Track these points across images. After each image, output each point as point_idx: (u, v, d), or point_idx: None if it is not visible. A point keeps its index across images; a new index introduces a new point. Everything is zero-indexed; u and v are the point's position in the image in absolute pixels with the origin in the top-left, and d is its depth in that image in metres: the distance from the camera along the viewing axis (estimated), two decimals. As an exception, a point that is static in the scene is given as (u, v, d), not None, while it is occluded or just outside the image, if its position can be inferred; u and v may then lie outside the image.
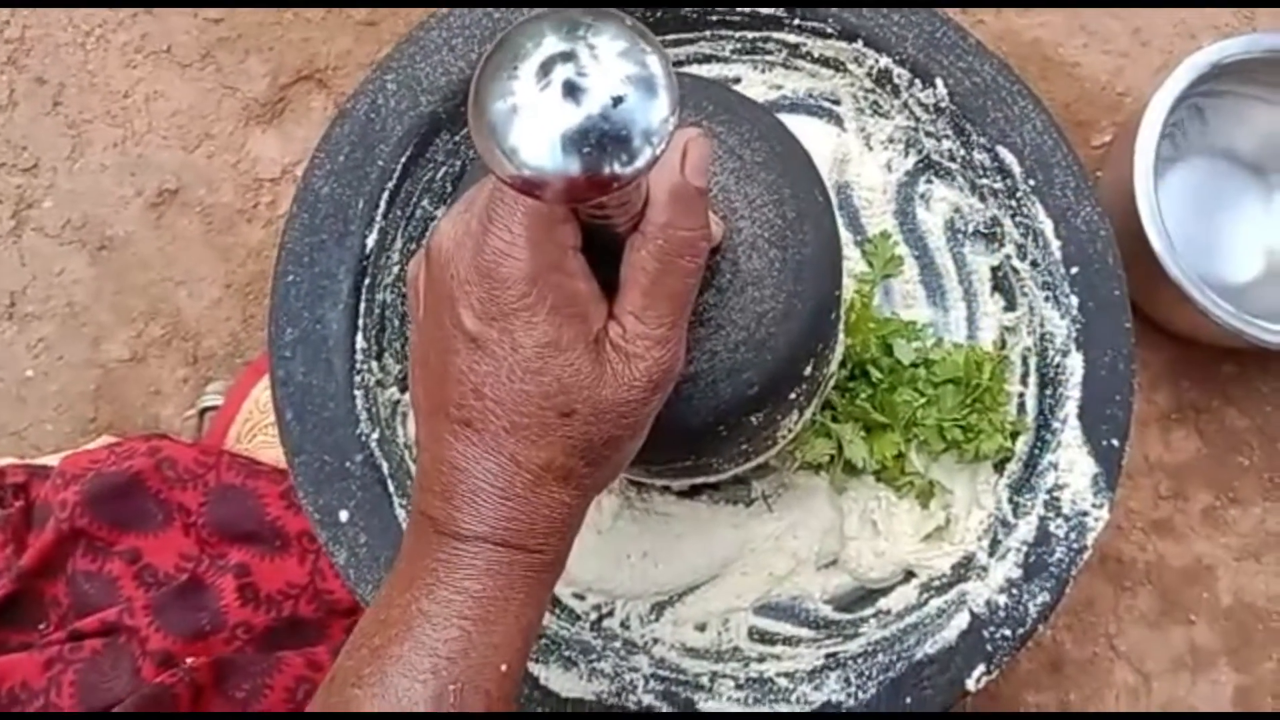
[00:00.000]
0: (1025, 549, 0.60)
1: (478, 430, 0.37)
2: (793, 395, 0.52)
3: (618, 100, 0.30)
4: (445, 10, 0.61)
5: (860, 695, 0.58)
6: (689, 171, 0.36)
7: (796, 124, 0.67)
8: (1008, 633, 0.60)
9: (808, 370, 0.51)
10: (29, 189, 0.89)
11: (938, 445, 0.63)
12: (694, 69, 0.67)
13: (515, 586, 0.38)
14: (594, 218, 0.36)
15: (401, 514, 0.58)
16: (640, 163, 0.31)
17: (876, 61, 0.64)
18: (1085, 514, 0.60)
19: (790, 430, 0.57)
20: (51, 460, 0.78)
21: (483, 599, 0.37)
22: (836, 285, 0.52)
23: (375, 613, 0.39)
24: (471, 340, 0.36)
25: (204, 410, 0.88)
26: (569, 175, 0.30)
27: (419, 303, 0.39)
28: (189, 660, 0.65)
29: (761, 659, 0.61)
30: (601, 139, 0.30)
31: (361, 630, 0.39)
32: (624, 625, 0.62)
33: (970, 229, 0.67)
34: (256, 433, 0.80)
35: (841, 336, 0.59)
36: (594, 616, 0.62)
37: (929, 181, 0.67)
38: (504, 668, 0.37)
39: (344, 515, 0.57)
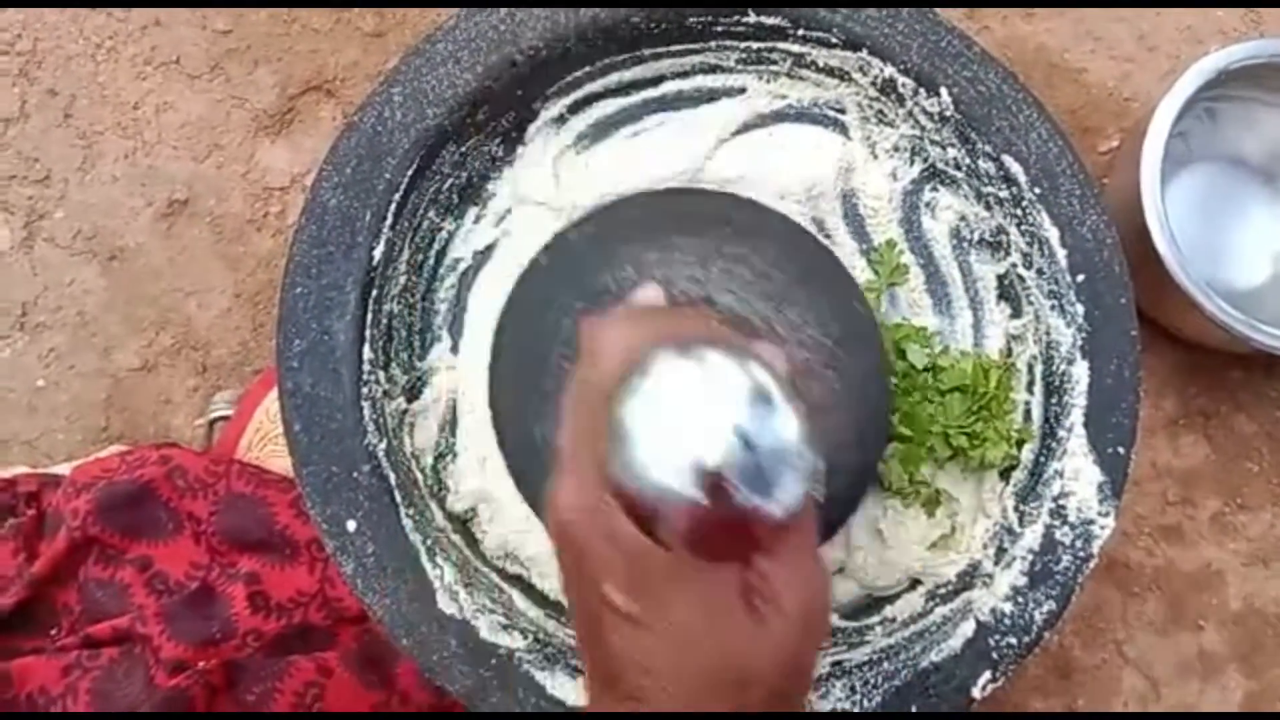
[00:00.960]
0: (1031, 557, 0.60)
1: (646, 698, 0.35)
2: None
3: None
4: (451, 23, 0.62)
5: (865, 703, 0.58)
6: None
7: (802, 133, 0.68)
8: (1013, 641, 0.60)
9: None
10: (40, 200, 0.90)
11: (944, 452, 0.63)
12: (699, 79, 0.67)
13: None
14: None
15: (409, 524, 0.58)
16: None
17: (881, 71, 0.64)
18: (1091, 522, 0.60)
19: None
20: (63, 469, 0.79)
21: None
22: (889, 386, 0.51)
23: None
24: (625, 617, 0.35)
25: (214, 420, 0.88)
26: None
27: (565, 571, 0.38)
28: (201, 664, 0.65)
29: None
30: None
31: None
32: (630, 634, 0.63)
33: (976, 237, 0.67)
34: (267, 442, 0.80)
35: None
36: (600, 625, 0.63)
37: (934, 190, 0.67)
38: None
39: (351, 525, 0.57)
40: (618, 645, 0.35)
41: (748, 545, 0.33)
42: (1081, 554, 0.60)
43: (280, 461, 0.76)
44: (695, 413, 0.29)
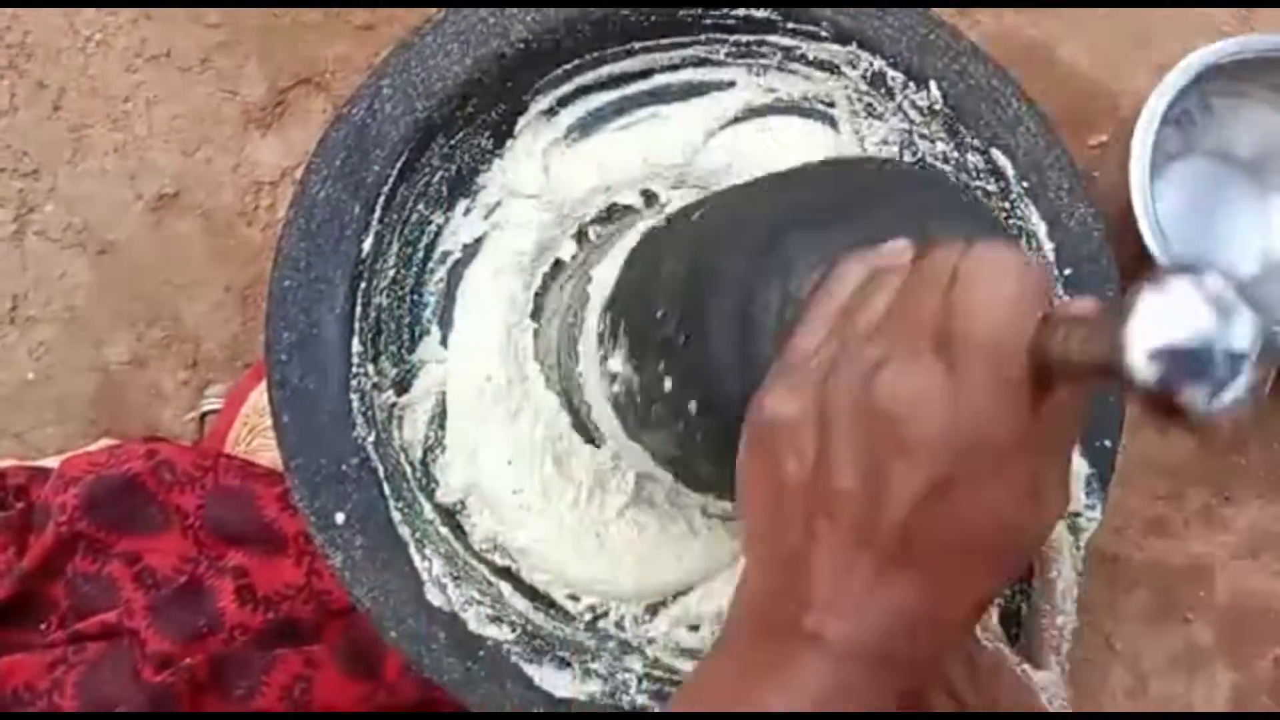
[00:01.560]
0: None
1: (904, 561, 0.35)
2: None
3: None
4: (441, 16, 0.61)
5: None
6: None
7: (792, 125, 0.68)
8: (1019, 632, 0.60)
9: None
10: (30, 193, 0.90)
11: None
12: (689, 72, 0.67)
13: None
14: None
15: (397, 516, 0.58)
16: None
17: (870, 64, 0.65)
18: (1078, 515, 0.61)
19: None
20: (52, 462, 0.79)
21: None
22: None
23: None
24: (937, 491, 0.34)
25: (205, 414, 0.88)
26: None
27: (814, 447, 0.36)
28: (187, 660, 0.65)
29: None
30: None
31: None
32: (618, 626, 0.63)
33: (964, 231, 0.67)
34: (255, 435, 0.80)
35: None
36: (588, 617, 0.63)
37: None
38: None
39: (340, 518, 0.57)
40: (907, 506, 0.34)
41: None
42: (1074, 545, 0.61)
43: (269, 454, 0.77)
44: (1172, 325, 0.29)
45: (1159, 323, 0.29)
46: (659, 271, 0.52)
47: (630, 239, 0.59)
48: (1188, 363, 0.29)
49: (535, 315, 0.66)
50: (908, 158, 0.67)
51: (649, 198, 0.68)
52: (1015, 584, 0.60)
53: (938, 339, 0.33)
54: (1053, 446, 0.35)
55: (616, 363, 0.53)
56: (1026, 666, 0.53)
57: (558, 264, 0.66)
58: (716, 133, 0.67)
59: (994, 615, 0.56)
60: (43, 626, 0.73)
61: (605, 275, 0.58)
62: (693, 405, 0.47)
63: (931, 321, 0.34)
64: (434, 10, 0.61)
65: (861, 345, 0.36)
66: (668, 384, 0.48)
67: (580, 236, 0.66)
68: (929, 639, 0.36)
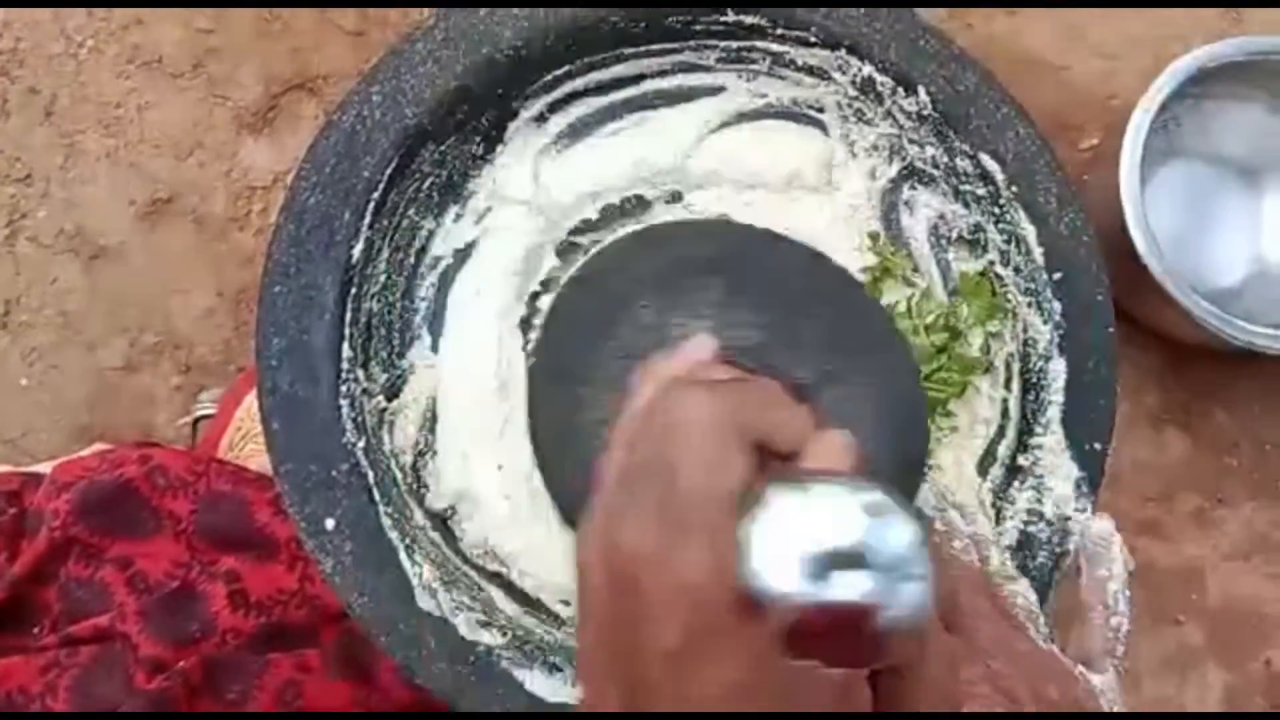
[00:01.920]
0: (1007, 553, 0.60)
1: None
2: None
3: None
4: (431, 22, 0.62)
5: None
6: None
7: (781, 130, 0.68)
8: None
9: None
10: (23, 199, 0.90)
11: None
12: (679, 78, 0.68)
13: None
14: None
15: (387, 522, 0.59)
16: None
17: (860, 70, 0.65)
18: (1068, 518, 0.61)
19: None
20: (45, 468, 0.79)
21: None
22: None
23: None
24: (670, 662, 0.33)
25: (199, 418, 0.88)
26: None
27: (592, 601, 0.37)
28: (180, 664, 0.65)
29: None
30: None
31: None
32: (610, 631, 0.63)
33: (954, 235, 0.67)
34: (248, 440, 0.81)
35: None
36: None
37: (913, 188, 0.68)
38: None
39: (330, 523, 0.57)
40: (652, 678, 0.33)
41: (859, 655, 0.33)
42: (1058, 550, 0.61)
43: (261, 459, 0.77)
44: (815, 532, 0.30)
45: (803, 527, 0.30)
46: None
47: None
48: (844, 567, 0.30)
49: (528, 321, 0.66)
50: (896, 163, 0.67)
51: (640, 203, 0.68)
52: (1059, 580, 0.60)
53: (659, 493, 0.33)
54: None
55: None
56: (1082, 669, 0.52)
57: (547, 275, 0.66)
58: (707, 137, 0.67)
59: (1043, 621, 0.55)
60: (36, 631, 0.73)
61: None
62: None
63: (654, 473, 0.34)
64: (424, 14, 0.61)
65: (615, 494, 0.36)
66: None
67: (563, 250, 0.66)
68: None
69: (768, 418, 0.35)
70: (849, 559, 0.30)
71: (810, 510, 0.30)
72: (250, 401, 0.81)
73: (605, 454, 0.39)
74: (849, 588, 0.30)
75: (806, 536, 0.30)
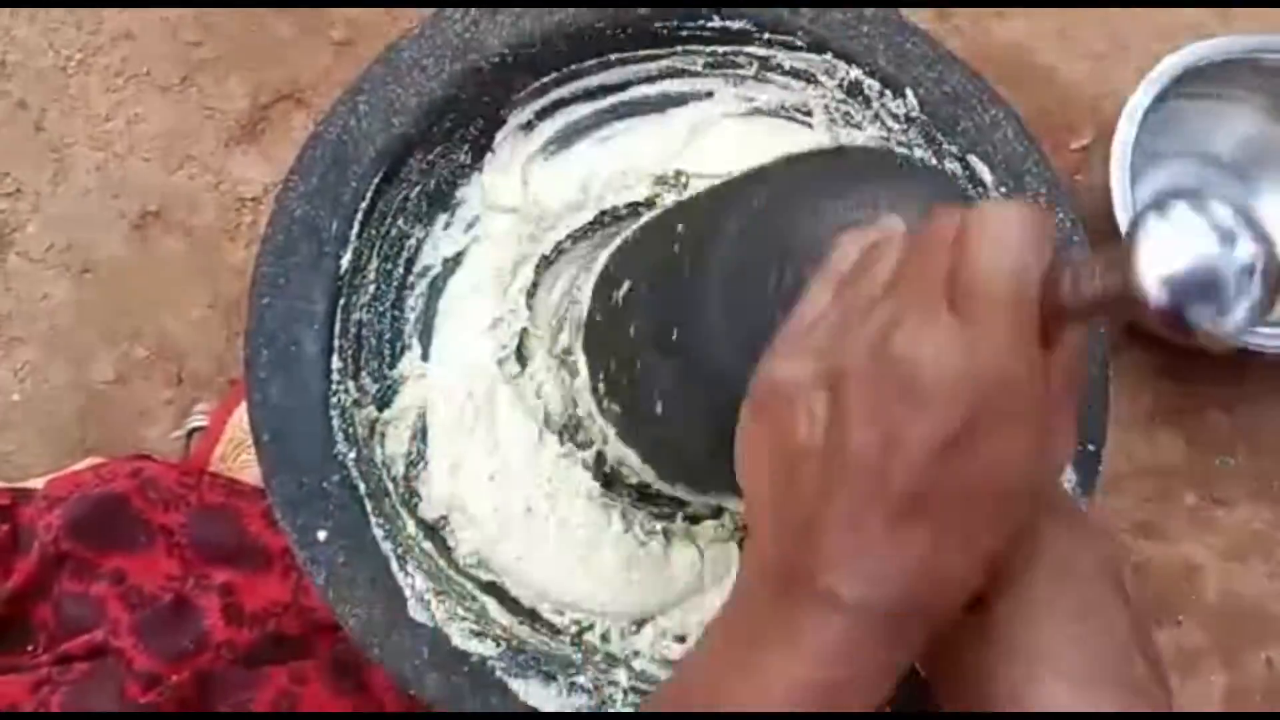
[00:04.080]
0: (1003, 555, 0.60)
1: (933, 522, 0.35)
2: None
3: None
4: (416, 31, 0.62)
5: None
6: None
7: (774, 128, 0.68)
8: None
9: None
10: (12, 214, 0.90)
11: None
12: (666, 83, 0.67)
13: (873, 670, 0.36)
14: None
15: (379, 533, 0.58)
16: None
17: (847, 73, 0.65)
18: (1062, 520, 0.60)
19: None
20: (37, 483, 0.79)
21: (836, 686, 0.36)
22: None
23: (696, 670, 0.40)
24: (952, 442, 0.34)
25: (191, 431, 0.88)
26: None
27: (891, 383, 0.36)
28: (174, 678, 0.65)
29: (742, 670, 0.61)
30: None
31: (680, 684, 0.40)
32: (604, 639, 0.63)
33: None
34: (241, 452, 0.80)
35: None
36: (574, 630, 0.63)
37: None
38: None
39: (322, 535, 0.57)
40: (923, 465, 0.34)
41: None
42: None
43: (255, 470, 0.76)
44: (1176, 252, 0.31)
45: (1166, 249, 0.31)
46: (637, 293, 0.53)
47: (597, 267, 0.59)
48: (1193, 286, 0.31)
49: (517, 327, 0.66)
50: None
51: (631, 209, 0.68)
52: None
53: (950, 294, 0.34)
54: (1061, 390, 0.36)
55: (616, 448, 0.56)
56: None
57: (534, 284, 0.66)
58: (696, 138, 0.67)
59: None
60: (31, 648, 0.73)
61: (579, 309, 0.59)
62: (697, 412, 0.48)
63: (942, 278, 0.34)
64: (413, 21, 0.61)
65: (871, 307, 0.36)
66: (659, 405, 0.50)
67: (541, 264, 0.66)
68: (942, 592, 0.36)
69: (1053, 227, 0.36)
70: (1202, 279, 0.31)
71: (1166, 231, 0.31)
72: (242, 413, 0.81)
73: (809, 293, 0.40)
74: (1189, 305, 0.31)
75: (1162, 259, 0.31)
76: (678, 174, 0.67)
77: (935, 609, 0.36)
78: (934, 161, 0.65)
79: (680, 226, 0.53)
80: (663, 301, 0.51)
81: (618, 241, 0.60)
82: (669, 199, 0.67)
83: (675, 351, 0.49)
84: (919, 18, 0.65)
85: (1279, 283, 0.31)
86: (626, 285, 0.55)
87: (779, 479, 0.38)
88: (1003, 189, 0.64)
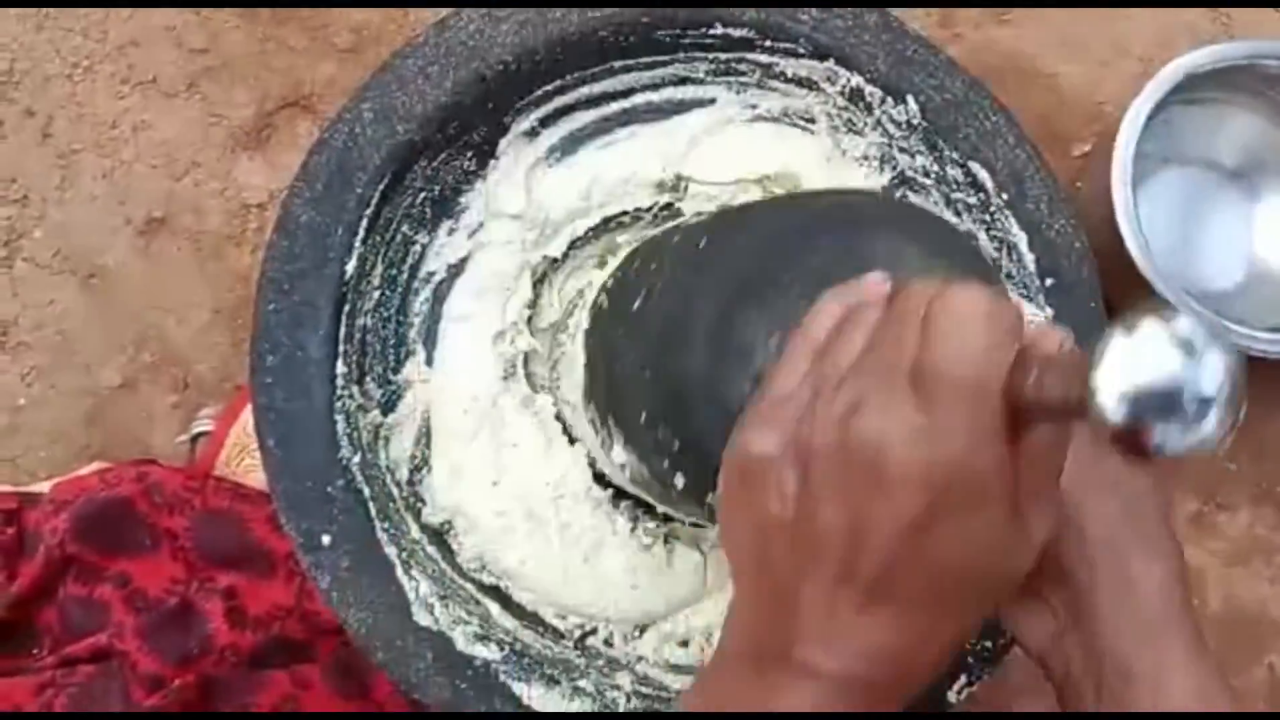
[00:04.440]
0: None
1: (902, 605, 0.35)
2: None
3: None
4: (421, 39, 0.62)
5: (842, 709, 0.58)
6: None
7: (777, 134, 0.68)
8: (988, 644, 0.60)
9: None
10: (19, 220, 0.90)
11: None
12: (669, 91, 0.68)
13: None
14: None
15: (383, 537, 0.59)
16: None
17: (849, 80, 0.65)
18: (1063, 524, 0.61)
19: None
20: (43, 487, 0.79)
21: None
22: None
23: None
24: (917, 528, 0.34)
25: (197, 436, 0.89)
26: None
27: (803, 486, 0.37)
28: (177, 681, 0.65)
29: (744, 674, 0.61)
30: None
31: None
32: (607, 643, 0.63)
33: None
34: (245, 456, 0.81)
35: None
36: (577, 635, 0.63)
37: (904, 197, 0.68)
38: None
39: (326, 540, 0.58)
40: (886, 546, 0.35)
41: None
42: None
43: (259, 475, 0.77)
44: (1139, 368, 0.30)
45: (1127, 366, 0.30)
46: (625, 367, 0.54)
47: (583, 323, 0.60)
48: (1155, 404, 0.30)
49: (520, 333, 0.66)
50: (888, 172, 0.68)
51: (634, 216, 0.68)
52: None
53: (914, 379, 0.34)
54: (1033, 482, 0.36)
55: (619, 454, 0.55)
56: None
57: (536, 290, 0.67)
58: (699, 143, 0.68)
59: None
60: (36, 651, 0.73)
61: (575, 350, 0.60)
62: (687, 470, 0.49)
63: (907, 362, 0.34)
64: (417, 30, 0.62)
65: (839, 385, 0.36)
66: (665, 465, 0.50)
67: (538, 282, 0.67)
68: (913, 671, 0.37)
69: (1020, 318, 0.36)
70: (1163, 397, 0.30)
71: (1129, 348, 0.30)
72: (247, 418, 0.82)
73: (777, 364, 0.40)
74: (1149, 421, 0.30)
75: (1125, 374, 0.30)
76: (678, 179, 0.68)
77: (907, 685, 0.37)
78: (935, 168, 0.65)
79: (646, 330, 0.53)
80: (654, 332, 0.51)
81: (617, 260, 0.60)
82: (674, 204, 0.68)
83: (660, 381, 0.49)
84: (921, 24, 0.65)
85: (1244, 395, 0.31)
86: (621, 307, 0.55)
87: (756, 550, 0.38)
88: (1004, 195, 0.64)
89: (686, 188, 0.67)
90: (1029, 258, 0.64)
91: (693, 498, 0.50)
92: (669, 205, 0.68)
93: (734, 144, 0.68)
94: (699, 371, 0.46)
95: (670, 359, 0.48)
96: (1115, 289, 0.83)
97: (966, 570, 0.35)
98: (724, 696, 0.39)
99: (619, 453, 0.55)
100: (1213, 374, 0.30)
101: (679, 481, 0.50)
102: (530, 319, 0.67)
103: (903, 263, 0.44)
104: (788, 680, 0.36)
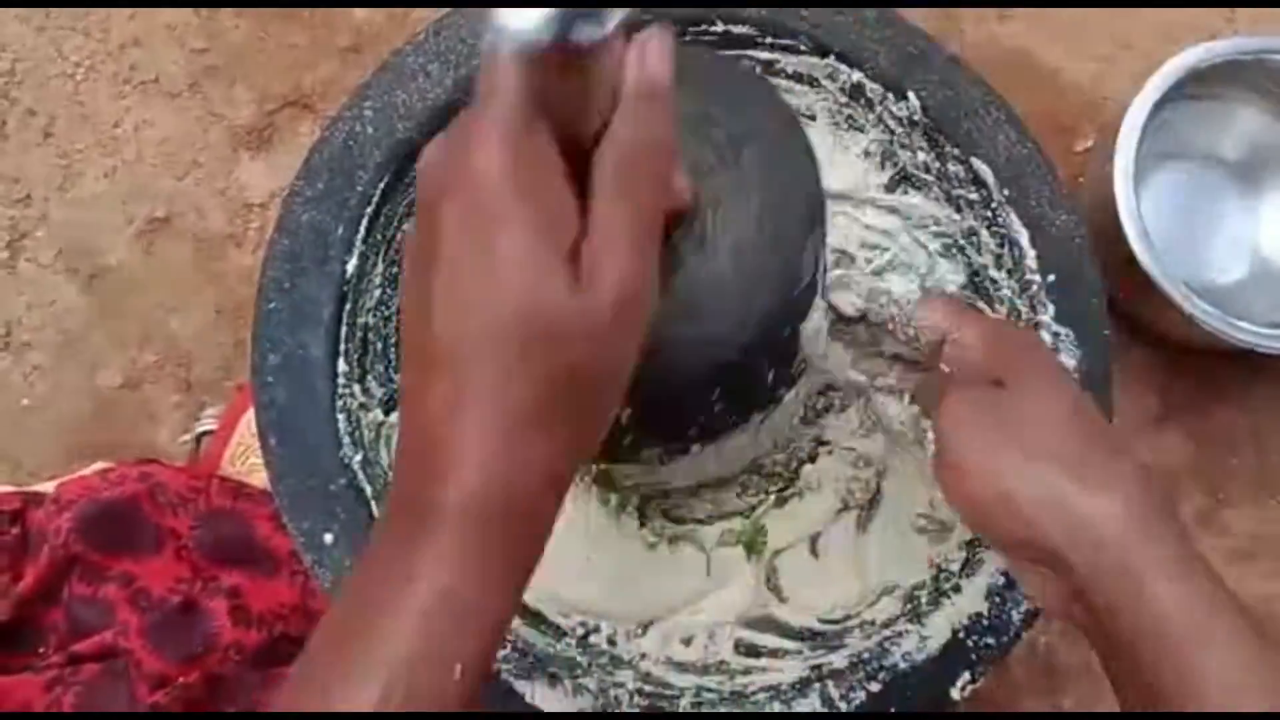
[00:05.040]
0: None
1: (448, 368, 0.34)
2: (777, 361, 0.52)
3: None
4: (421, 37, 0.62)
5: (845, 706, 0.58)
6: (649, 67, 0.34)
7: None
8: (991, 641, 0.60)
9: (787, 334, 0.50)
10: (22, 220, 0.91)
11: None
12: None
13: (489, 577, 0.35)
14: (565, 126, 0.35)
15: (385, 535, 0.59)
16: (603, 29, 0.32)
17: (849, 76, 0.65)
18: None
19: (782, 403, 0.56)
20: (47, 487, 0.79)
21: (453, 594, 0.34)
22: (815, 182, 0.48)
23: (336, 610, 0.37)
24: (449, 260, 0.33)
25: (200, 435, 0.89)
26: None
27: (412, 253, 0.36)
28: (181, 679, 0.66)
29: (747, 671, 0.62)
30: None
31: (321, 628, 0.37)
32: (610, 641, 0.63)
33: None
34: (249, 455, 0.81)
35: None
36: (580, 633, 0.63)
37: (905, 193, 0.68)
38: (459, 669, 0.34)
39: (328, 538, 0.58)
40: (434, 295, 0.34)
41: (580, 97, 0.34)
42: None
43: (263, 473, 0.77)
44: None
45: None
46: None
47: None
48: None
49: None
50: (889, 169, 0.68)
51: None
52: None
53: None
54: (608, 228, 0.34)
55: None
56: None
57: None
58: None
59: None
60: (41, 650, 0.73)
61: None
62: None
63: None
64: (420, 25, 0.62)
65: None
66: None
67: None
68: (528, 478, 0.35)
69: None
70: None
71: None
72: (250, 417, 0.82)
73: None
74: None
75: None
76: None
77: (525, 501, 0.35)
78: (936, 164, 0.65)
79: None
80: None
81: None
82: None
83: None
84: (922, 21, 0.65)
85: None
86: None
87: (408, 357, 0.37)
88: (1005, 191, 0.64)
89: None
90: (1030, 253, 0.63)
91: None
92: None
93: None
94: None
95: None
96: (1121, 286, 0.83)
97: (509, 301, 0.33)
98: (378, 559, 0.36)
99: None
100: None
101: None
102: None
103: None
104: (424, 527, 0.34)
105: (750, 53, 0.66)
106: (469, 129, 0.34)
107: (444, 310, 0.34)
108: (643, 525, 0.64)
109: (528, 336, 0.33)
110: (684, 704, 0.59)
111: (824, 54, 0.64)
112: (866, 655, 0.60)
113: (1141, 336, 0.94)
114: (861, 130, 0.67)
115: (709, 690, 0.60)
